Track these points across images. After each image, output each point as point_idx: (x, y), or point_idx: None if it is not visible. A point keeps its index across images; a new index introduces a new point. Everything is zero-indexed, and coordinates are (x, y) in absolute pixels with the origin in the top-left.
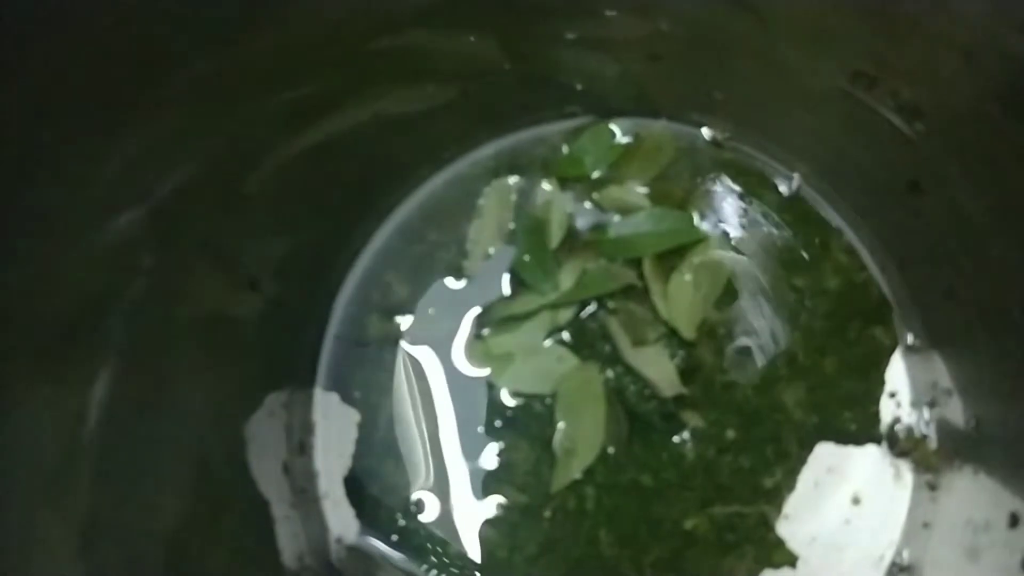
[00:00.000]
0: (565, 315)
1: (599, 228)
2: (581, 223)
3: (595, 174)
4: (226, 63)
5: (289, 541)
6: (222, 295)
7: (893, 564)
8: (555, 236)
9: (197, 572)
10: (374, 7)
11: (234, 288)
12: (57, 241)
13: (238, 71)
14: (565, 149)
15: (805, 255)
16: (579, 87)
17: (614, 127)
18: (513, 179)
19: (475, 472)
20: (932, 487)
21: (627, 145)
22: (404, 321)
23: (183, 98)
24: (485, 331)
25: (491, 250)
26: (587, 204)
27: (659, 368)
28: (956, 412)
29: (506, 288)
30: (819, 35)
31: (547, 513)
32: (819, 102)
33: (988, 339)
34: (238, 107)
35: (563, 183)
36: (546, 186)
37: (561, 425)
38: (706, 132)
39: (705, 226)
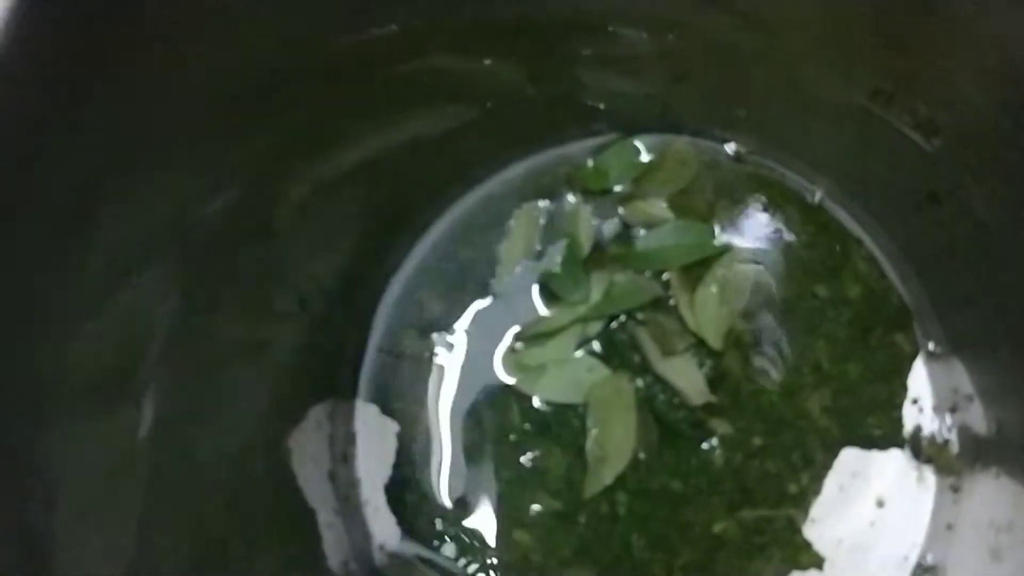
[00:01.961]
0: (595, 326)
1: (625, 241)
2: (608, 236)
3: (617, 188)
4: (251, 95)
5: (335, 547)
6: (263, 318)
7: (918, 565)
8: (583, 247)
9: (248, 572)
10: (399, 33)
11: (275, 311)
12: (100, 281)
13: (264, 102)
14: (590, 163)
15: (827, 265)
16: (602, 106)
17: (638, 143)
18: (543, 203)
19: (510, 479)
20: (955, 490)
21: (651, 161)
22: (439, 336)
23: (213, 129)
24: (518, 345)
25: (518, 269)
26: (614, 218)
27: (688, 377)
28: (978, 417)
29: (536, 302)
30: (837, 53)
31: (580, 518)
32: (839, 118)
33: (1008, 344)
34: (268, 138)
35: (588, 196)
36: (571, 199)
37: (593, 433)
38: (729, 147)
39: (729, 238)
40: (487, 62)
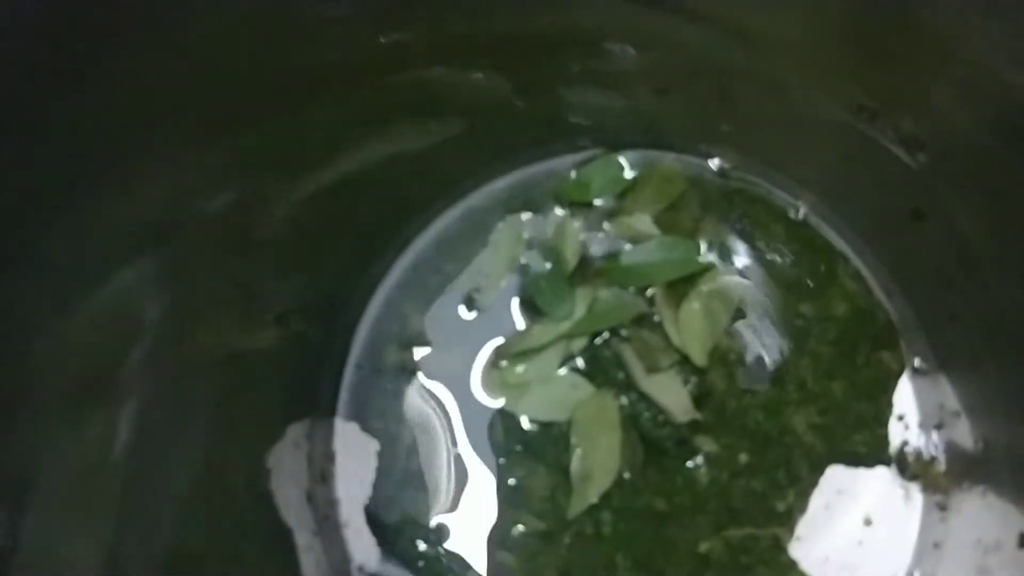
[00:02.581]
0: (579, 343)
1: (611, 256)
2: (593, 251)
3: (599, 202)
4: (235, 104)
5: (312, 569)
6: (241, 332)
7: None
8: (570, 262)
9: None
10: (390, 45)
11: (254, 324)
12: (74, 287)
13: (248, 111)
14: (573, 174)
15: (812, 282)
16: (587, 122)
17: (623, 160)
18: (526, 215)
19: (493, 499)
20: (942, 508)
21: (637, 177)
22: (421, 351)
23: (195, 140)
24: (501, 362)
25: (503, 283)
26: (599, 234)
27: (673, 394)
28: (964, 434)
29: (518, 318)
30: (820, 69)
31: (565, 539)
32: (823, 134)
33: (993, 361)
34: (250, 147)
35: (574, 211)
36: (559, 212)
37: (577, 452)
38: (714, 163)
39: (714, 254)
40: (477, 75)
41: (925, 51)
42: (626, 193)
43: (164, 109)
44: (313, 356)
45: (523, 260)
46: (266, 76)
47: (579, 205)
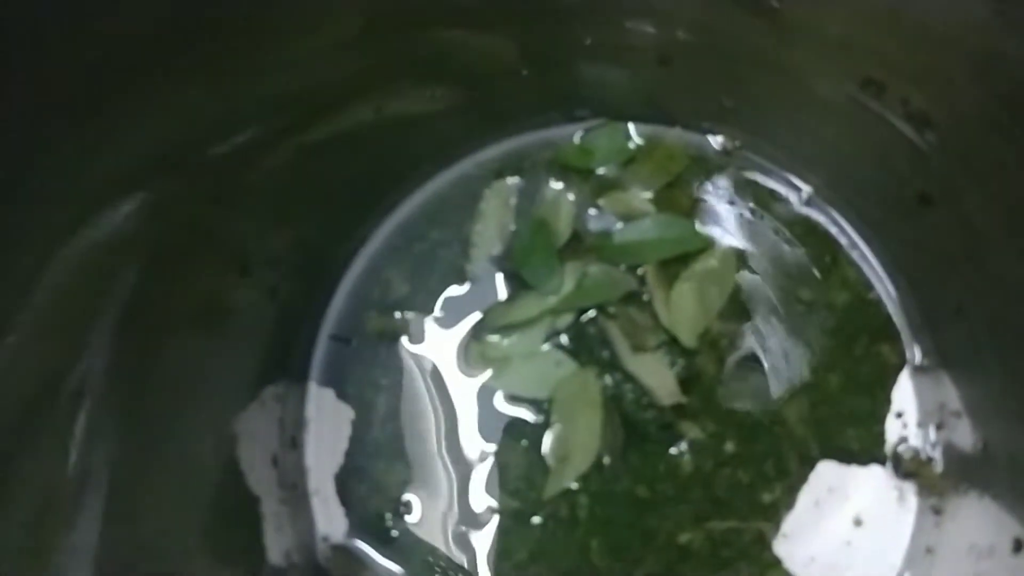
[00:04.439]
0: (564, 319)
1: (603, 233)
2: (585, 227)
3: (601, 170)
4: (236, 49)
5: (276, 538)
6: (218, 288)
7: None
8: (562, 235)
9: (183, 567)
10: (407, 6)
11: (230, 279)
12: (51, 235)
13: (249, 58)
14: (576, 139)
15: (813, 269)
16: (590, 93)
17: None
18: (512, 180)
19: (467, 476)
20: (936, 511)
21: (638, 151)
22: (403, 320)
23: (187, 85)
24: (484, 335)
25: (494, 252)
26: (592, 209)
27: (658, 376)
28: (964, 435)
29: (503, 290)
30: (829, 40)
31: (538, 520)
32: (829, 110)
33: (998, 358)
34: (244, 96)
35: (569, 184)
36: (553, 185)
37: (557, 430)
38: (716, 141)
39: (711, 236)
40: (490, 40)
41: (937, 21)
42: (627, 165)
43: (181, 41)
44: (291, 317)
45: (512, 227)
46: (267, 22)
47: (574, 177)
